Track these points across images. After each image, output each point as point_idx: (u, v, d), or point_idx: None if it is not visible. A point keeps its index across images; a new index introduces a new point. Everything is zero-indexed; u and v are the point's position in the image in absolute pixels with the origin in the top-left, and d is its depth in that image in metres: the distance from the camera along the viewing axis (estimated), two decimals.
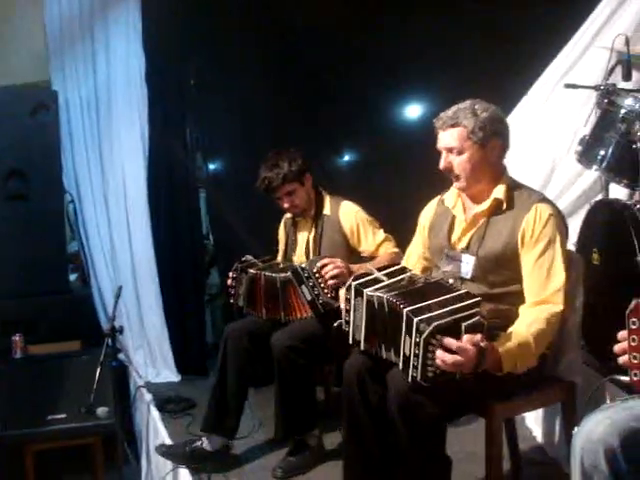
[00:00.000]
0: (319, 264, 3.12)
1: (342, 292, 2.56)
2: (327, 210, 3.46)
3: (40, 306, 4.45)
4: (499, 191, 2.51)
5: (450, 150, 2.51)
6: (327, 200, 3.50)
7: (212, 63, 4.73)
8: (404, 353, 2.19)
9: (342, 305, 2.55)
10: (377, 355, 2.40)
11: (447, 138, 2.51)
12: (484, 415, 2.43)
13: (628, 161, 2.94)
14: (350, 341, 2.50)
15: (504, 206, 2.49)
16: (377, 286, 2.40)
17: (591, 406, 1.88)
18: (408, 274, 2.46)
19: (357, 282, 2.45)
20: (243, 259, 3.46)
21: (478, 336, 2.12)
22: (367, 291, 2.38)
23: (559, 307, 2.35)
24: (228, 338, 3.30)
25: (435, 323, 2.11)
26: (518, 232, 2.42)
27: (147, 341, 4.71)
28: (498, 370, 2.22)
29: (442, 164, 2.54)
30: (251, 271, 3.34)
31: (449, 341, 2.09)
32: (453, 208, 2.65)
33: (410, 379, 2.16)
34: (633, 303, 1.67)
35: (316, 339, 3.08)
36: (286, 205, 3.44)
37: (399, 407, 2.24)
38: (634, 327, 1.66)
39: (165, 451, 3.32)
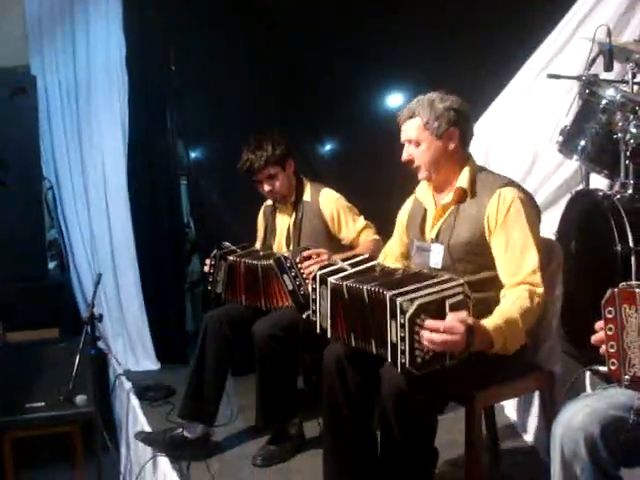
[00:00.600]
0: (304, 254, 3.10)
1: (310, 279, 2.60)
2: (307, 197, 3.46)
3: (18, 293, 4.42)
4: (463, 179, 2.53)
5: (409, 142, 2.57)
6: (308, 187, 3.49)
7: (193, 48, 4.69)
8: (391, 341, 2.15)
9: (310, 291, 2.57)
10: (347, 344, 2.41)
11: (406, 130, 2.58)
12: (464, 403, 2.45)
13: (608, 152, 2.96)
14: (317, 330, 2.52)
15: (469, 194, 2.51)
16: (343, 274, 2.42)
17: (571, 396, 1.89)
18: (373, 263, 2.52)
19: (322, 271, 2.48)
20: (221, 246, 3.44)
21: (464, 312, 2.11)
22: (331, 279, 2.41)
23: (540, 289, 2.35)
24: (208, 325, 3.28)
25: (418, 301, 2.08)
26: (484, 218, 2.43)
27: (126, 329, 4.69)
28: (489, 347, 2.19)
29: (404, 156, 2.59)
30: (230, 258, 3.32)
31: (433, 323, 2.06)
32: (424, 200, 2.69)
33: (400, 367, 2.12)
34: (608, 293, 1.67)
35: (297, 328, 3.07)
36: (266, 188, 3.41)
37: (394, 403, 2.22)
38: (610, 316, 1.66)
39: (145, 437, 3.30)
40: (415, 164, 2.57)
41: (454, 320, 2.07)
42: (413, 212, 2.75)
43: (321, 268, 2.52)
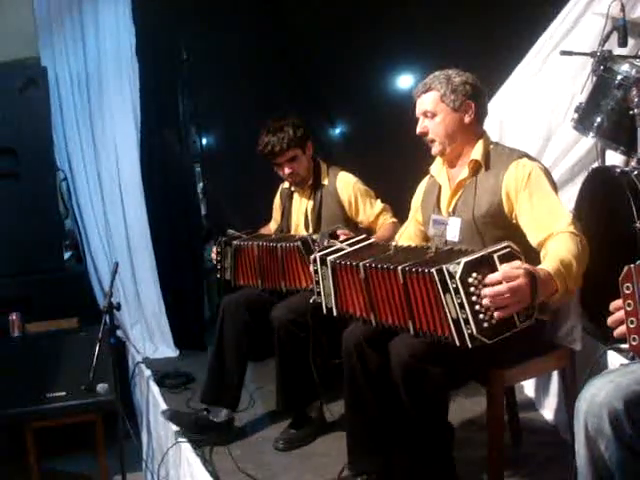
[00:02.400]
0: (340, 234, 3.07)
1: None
2: (325, 180, 3.45)
3: (36, 284, 4.43)
4: (477, 152, 2.54)
5: (425, 114, 2.58)
6: (325, 170, 3.48)
7: (203, 34, 4.68)
8: (451, 317, 2.03)
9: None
10: (364, 322, 2.44)
11: (422, 103, 2.59)
12: (484, 383, 2.45)
13: (624, 128, 2.94)
14: (324, 311, 2.55)
15: (483, 167, 2.51)
16: (342, 253, 2.51)
17: (593, 374, 1.89)
18: (371, 241, 2.61)
19: (321, 253, 2.54)
20: (227, 233, 3.45)
21: (517, 261, 2.04)
22: (333, 258, 2.47)
23: (582, 236, 2.27)
24: (225, 309, 3.29)
25: (464, 259, 1.98)
26: (501, 190, 2.42)
27: (144, 317, 4.72)
28: (554, 291, 2.11)
29: (418, 129, 2.60)
30: (235, 242, 3.33)
31: (492, 276, 1.98)
32: (438, 177, 2.69)
33: (469, 341, 2.00)
34: (625, 269, 1.65)
35: (316, 311, 3.07)
36: (287, 171, 3.40)
37: (402, 376, 2.24)
38: (628, 292, 1.65)
39: (171, 414, 3.28)
40: (429, 136, 2.58)
41: (510, 268, 2.00)
42: (428, 190, 2.76)
43: (320, 250, 2.58)
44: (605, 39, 3.13)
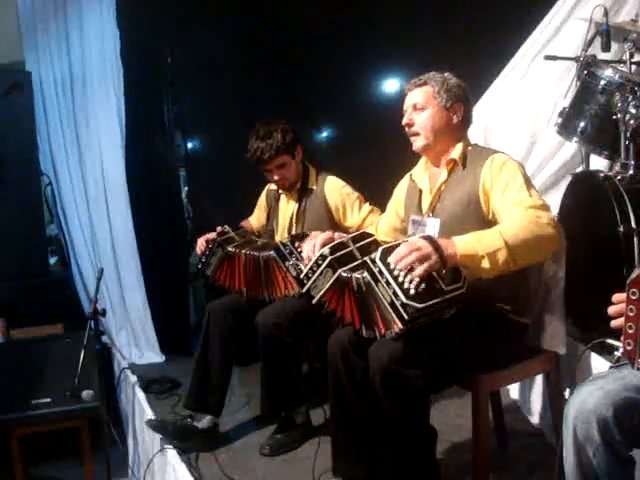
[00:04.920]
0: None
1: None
2: (312, 184, 3.44)
3: (20, 290, 4.41)
4: (455, 152, 2.57)
5: (414, 107, 2.60)
6: (313, 174, 3.47)
7: (188, 38, 4.67)
8: (389, 302, 2.14)
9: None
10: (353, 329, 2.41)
11: (413, 97, 2.61)
12: (469, 388, 2.45)
13: (608, 132, 2.96)
14: (302, 291, 2.50)
15: (460, 166, 2.54)
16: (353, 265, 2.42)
17: (577, 375, 1.89)
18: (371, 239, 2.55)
19: (333, 256, 2.44)
20: (222, 231, 3.43)
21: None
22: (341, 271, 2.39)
23: (547, 211, 2.29)
24: (211, 315, 3.28)
25: (381, 247, 2.17)
26: (479, 184, 2.44)
27: (130, 322, 4.70)
28: (472, 253, 2.15)
29: (405, 119, 2.62)
30: (229, 249, 3.31)
31: (398, 249, 2.10)
32: (420, 182, 2.71)
33: (403, 311, 2.09)
34: (635, 273, 1.64)
35: (301, 316, 3.08)
36: (276, 177, 3.39)
37: (381, 380, 2.24)
38: (634, 298, 1.64)
39: (155, 425, 3.27)
40: (414, 128, 2.59)
41: (413, 239, 2.13)
42: (409, 193, 2.79)
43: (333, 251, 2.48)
44: (588, 44, 3.17)
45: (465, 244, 2.16)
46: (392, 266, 2.11)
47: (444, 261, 2.10)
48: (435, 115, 2.57)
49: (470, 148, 2.59)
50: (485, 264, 2.16)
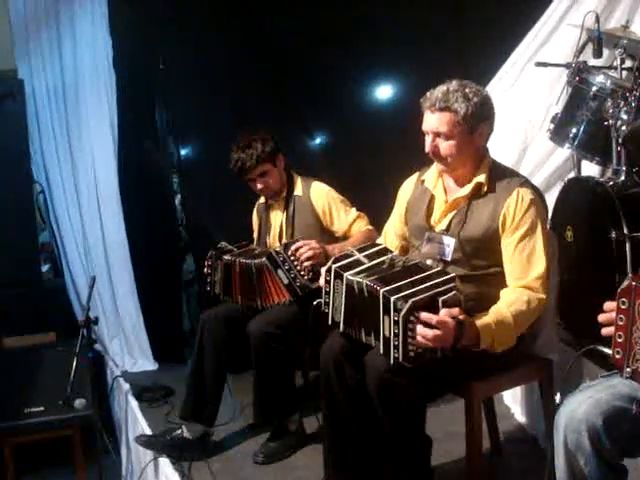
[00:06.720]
0: (293, 247, 3.12)
1: (324, 270, 2.55)
2: (299, 191, 3.44)
3: (12, 298, 4.40)
4: (481, 174, 2.48)
5: (438, 134, 2.45)
6: (298, 181, 3.48)
7: (180, 45, 4.66)
8: (384, 335, 2.19)
9: (322, 284, 2.54)
10: (357, 338, 2.39)
11: (436, 122, 2.43)
12: (463, 395, 2.45)
13: (600, 138, 2.97)
14: (330, 322, 2.50)
15: (485, 189, 2.47)
16: (358, 269, 2.40)
17: (569, 382, 1.89)
18: (389, 256, 2.46)
19: (337, 265, 2.45)
20: (218, 246, 3.44)
21: (456, 309, 2.15)
22: (347, 275, 2.38)
23: (541, 295, 2.36)
24: (204, 324, 3.28)
25: (412, 299, 2.13)
26: (499, 216, 2.41)
27: (123, 330, 4.68)
28: (475, 345, 2.23)
29: (428, 147, 2.47)
30: (226, 257, 3.32)
31: (428, 316, 2.10)
32: (434, 189, 2.61)
33: (392, 360, 2.15)
34: (626, 282, 1.65)
35: (293, 324, 3.07)
36: (259, 186, 3.40)
37: (377, 389, 2.25)
38: (623, 307, 1.64)
39: (145, 441, 3.29)
40: (441, 157, 2.47)
41: (446, 316, 2.12)
42: (417, 197, 2.67)
43: (336, 260, 2.48)
44: (580, 50, 3.17)
45: (484, 339, 2.23)
46: (410, 326, 2.12)
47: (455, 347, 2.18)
48: (460, 143, 2.43)
49: (494, 169, 2.51)
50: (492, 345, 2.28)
